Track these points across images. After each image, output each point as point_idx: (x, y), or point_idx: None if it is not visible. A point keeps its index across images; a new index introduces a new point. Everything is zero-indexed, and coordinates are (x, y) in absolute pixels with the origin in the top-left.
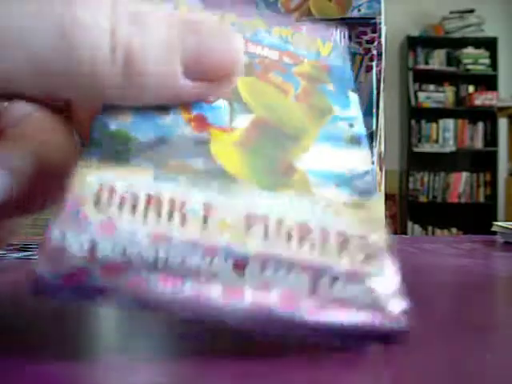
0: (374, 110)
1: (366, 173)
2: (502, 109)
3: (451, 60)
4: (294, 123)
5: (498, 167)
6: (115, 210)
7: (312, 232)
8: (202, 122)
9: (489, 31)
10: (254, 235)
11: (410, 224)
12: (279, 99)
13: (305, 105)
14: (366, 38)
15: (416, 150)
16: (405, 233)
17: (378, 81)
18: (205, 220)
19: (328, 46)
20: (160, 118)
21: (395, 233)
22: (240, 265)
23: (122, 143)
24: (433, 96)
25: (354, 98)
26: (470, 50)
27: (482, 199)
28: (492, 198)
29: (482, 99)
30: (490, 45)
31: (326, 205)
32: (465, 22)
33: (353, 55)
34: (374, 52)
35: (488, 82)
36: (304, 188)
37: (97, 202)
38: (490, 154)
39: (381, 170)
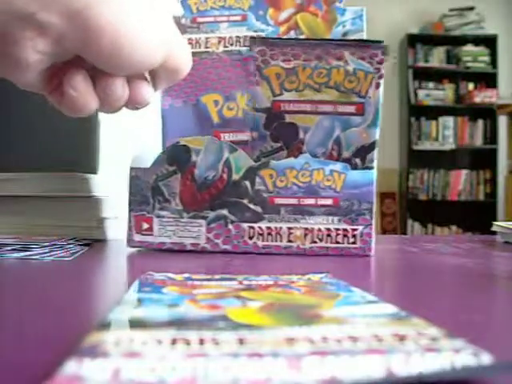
0: (379, 122)
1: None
2: (501, 106)
3: (451, 57)
4: (307, 302)
5: (497, 165)
6: (139, 344)
7: (363, 338)
8: (214, 307)
9: (488, 29)
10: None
11: (409, 222)
12: (285, 295)
13: (313, 296)
14: (376, 59)
15: (416, 147)
16: (405, 231)
17: None
18: (240, 342)
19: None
20: (171, 309)
21: (395, 231)
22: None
23: (137, 324)
24: (432, 94)
25: (356, 288)
26: (469, 47)
27: (481, 197)
28: (492, 195)
29: (482, 97)
30: (489, 42)
31: (367, 323)
32: (464, 20)
33: (365, 74)
34: (383, 71)
35: (488, 80)
36: (334, 321)
37: (117, 343)
38: (489, 152)
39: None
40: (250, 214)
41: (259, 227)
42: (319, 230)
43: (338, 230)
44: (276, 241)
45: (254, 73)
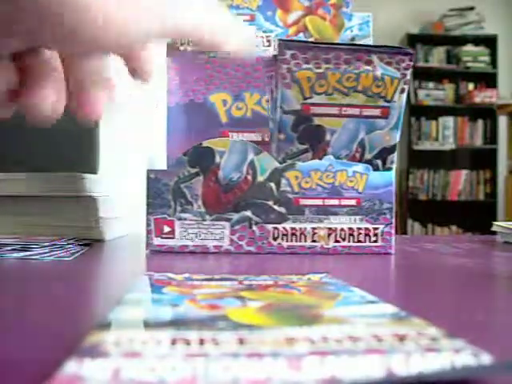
0: (400, 125)
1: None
2: (501, 106)
3: (451, 57)
4: (307, 302)
5: (497, 165)
6: (139, 344)
7: (363, 338)
8: (215, 307)
9: (488, 29)
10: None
11: (409, 222)
12: (285, 295)
13: (313, 296)
14: (403, 65)
15: (416, 147)
16: (405, 231)
17: None
18: (240, 342)
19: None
20: (171, 309)
21: (395, 231)
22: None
23: (137, 324)
24: (432, 94)
25: (356, 288)
26: (469, 47)
27: (481, 197)
28: (492, 195)
29: (482, 97)
30: (489, 42)
31: (367, 323)
32: (464, 20)
33: (392, 79)
34: (409, 77)
35: (488, 80)
36: (334, 321)
37: (117, 343)
38: (489, 152)
39: None
40: (275, 215)
41: (283, 228)
42: (342, 229)
43: (360, 229)
44: (300, 241)
45: (285, 75)
